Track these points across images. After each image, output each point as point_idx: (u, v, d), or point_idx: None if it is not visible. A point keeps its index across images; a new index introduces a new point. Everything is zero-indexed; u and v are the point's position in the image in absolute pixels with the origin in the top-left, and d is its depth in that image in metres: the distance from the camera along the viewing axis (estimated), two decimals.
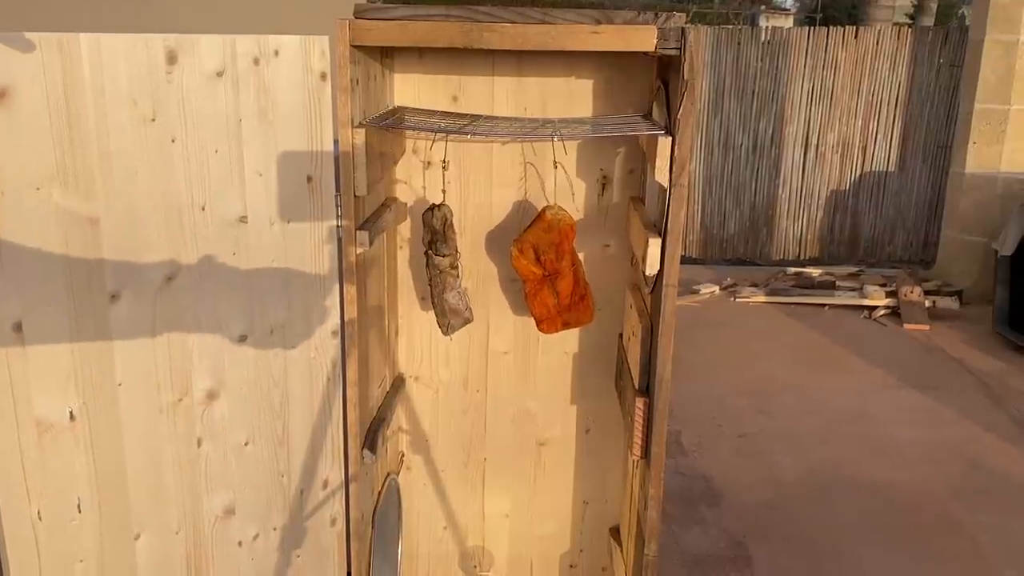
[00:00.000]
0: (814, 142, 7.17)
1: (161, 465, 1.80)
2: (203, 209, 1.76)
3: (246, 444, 1.90)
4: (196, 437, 1.84)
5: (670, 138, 1.63)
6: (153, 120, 1.68)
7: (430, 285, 2.01)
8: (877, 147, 7.15)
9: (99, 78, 1.62)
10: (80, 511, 1.71)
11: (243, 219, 1.81)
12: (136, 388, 1.75)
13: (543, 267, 2.03)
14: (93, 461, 1.71)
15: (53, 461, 1.66)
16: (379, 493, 2.11)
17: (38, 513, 1.66)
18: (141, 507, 1.78)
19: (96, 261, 1.66)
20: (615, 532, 2.43)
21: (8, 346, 1.58)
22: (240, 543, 1.93)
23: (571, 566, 2.49)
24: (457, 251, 2.00)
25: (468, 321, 2.04)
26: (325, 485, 2.01)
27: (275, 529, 1.97)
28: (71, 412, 1.67)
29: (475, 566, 2.51)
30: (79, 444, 1.69)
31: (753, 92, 7.13)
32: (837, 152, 7.18)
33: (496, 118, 1.95)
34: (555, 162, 2.01)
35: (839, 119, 7.10)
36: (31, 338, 1.61)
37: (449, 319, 2.02)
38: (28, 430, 1.62)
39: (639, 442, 1.85)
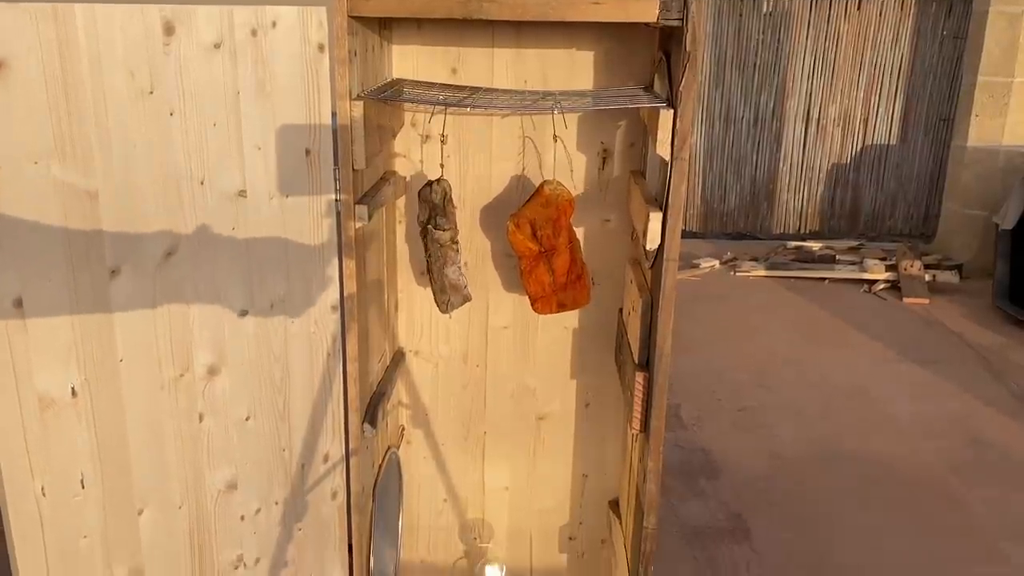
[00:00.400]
0: (815, 115, 7.12)
1: (163, 441, 1.81)
2: (202, 183, 1.75)
3: (247, 419, 1.90)
4: (198, 412, 1.84)
5: (672, 110, 1.62)
6: (151, 93, 1.66)
7: (428, 261, 2.00)
8: (879, 120, 7.11)
9: (95, 49, 1.60)
10: (83, 487, 1.71)
11: (242, 193, 1.79)
12: (137, 364, 1.74)
13: (539, 243, 2.02)
14: (96, 437, 1.72)
15: (56, 437, 1.66)
16: (380, 467, 2.12)
17: (42, 489, 1.66)
18: (144, 482, 1.79)
19: (95, 236, 1.65)
20: (614, 505, 2.44)
21: (9, 322, 1.58)
22: (242, 517, 1.94)
23: (570, 538, 2.51)
24: (457, 226, 1.99)
25: (467, 299, 2.03)
26: (326, 459, 2.02)
27: (277, 503, 1.98)
28: (73, 388, 1.67)
29: (475, 538, 2.52)
30: (81, 420, 1.69)
31: (755, 65, 7.07)
32: (838, 125, 7.13)
33: (495, 90, 1.93)
34: (555, 135, 2.00)
35: (841, 91, 7.05)
36: (32, 314, 1.60)
37: (449, 296, 2.01)
38: (30, 406, 1.62)
39: (639, 416, 1.86)
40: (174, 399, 1.80)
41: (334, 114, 1.75)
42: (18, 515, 1.63)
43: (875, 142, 7.14)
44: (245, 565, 1.97)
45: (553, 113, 1.83)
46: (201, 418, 1.85)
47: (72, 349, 1.65)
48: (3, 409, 1.59)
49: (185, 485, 1.85)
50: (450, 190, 1.96)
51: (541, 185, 1.99)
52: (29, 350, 1.60)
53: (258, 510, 1.96)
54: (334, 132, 1.78)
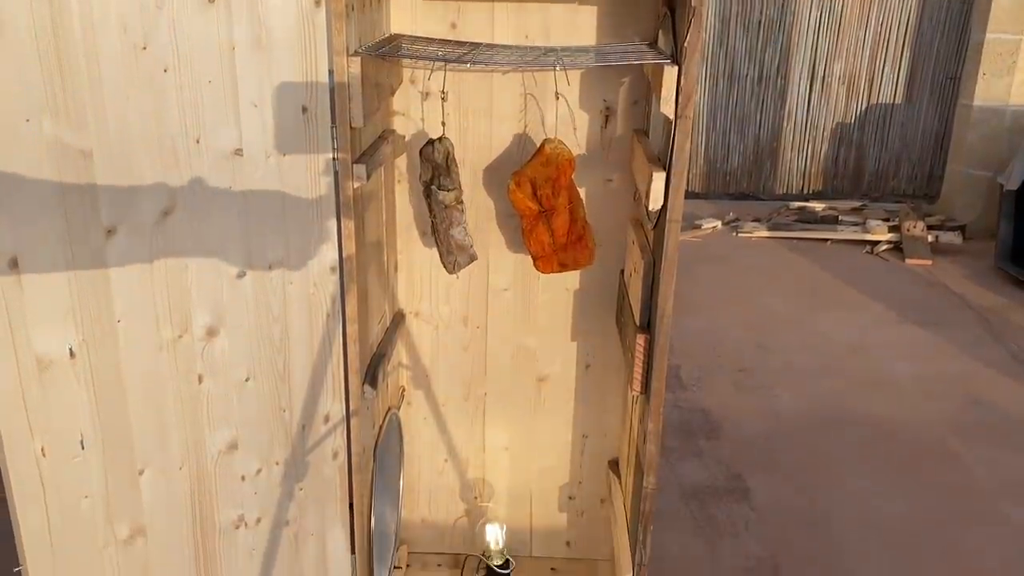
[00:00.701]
0: (820, 73, 7.03)
1: (163, 402, 1.80)
2: (198, 142, 1.72)
3: (247, 380, 1.90)
4: (197, 373, 1.84)
5: (676, 67, 1.58)
6: (144, 48, 1.62)
7: (433, 222, 1.98)
8: (884, 79, 7.01)
9: (87, 3, 1.56)
10: (83, 447, 1.71)
11: (238, 152, 1.77)
12: (135, 325, 1.73)
13: (539, 203, 2.00)
14: (95, 398, 1.71)
15: (54, 398, 1.66)
16: (380, 427, 2.12)
17: (42, 450, 1.66)
18: (144, 443, 1.79)
19: (91, 195, 1.62)
20: (614, 465, 2.45)
21: (5, 283, 1.56)
22: (243, 477, 1.95)
23: (570, 498, 2.52)
24: (461, 185, 1.97)
25: (473, 259, 2.01)
26: (327, 420, 2.02)
27: (278, 463, 1.98)
28: (71, 348, 1.66)
29: (476, 497, 2.54)
30: (80, 381, 1.68)
31: (759, 22, 6.96)
32: (843, 83, 7.04)
33: (496, 46, 1.89)
34: (557, 93, 1.96)
35: (847, 49, 6.95)
36: (28, 274, 1.58)
37: (456, 256, 1.99)
38: (28, 367, 1.61)
39: (639, 378, 1.85)
40: (173, 360, 1.80)
41: (331, 71, 1.71)
42: (19, 476, 1.63)
43: (880, 101, 7.06)
44: (246, 525, 1.98)
45: (555, 70, 1.79)
46: (200, 379, 1.84)
47: (69, 309, 1.64)
48: (2, 369, 1.58)
49: (185, 446, 1.85)
50: (452, 148, 1.93)
51: (543, 143, 1.96)
52: (26, 311, 1.59)
53: (259, 470, 1.97)
54: (331, 90, 1.75)
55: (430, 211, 1.98)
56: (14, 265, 1.55)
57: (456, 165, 1.94)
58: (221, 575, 1.98)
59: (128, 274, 1.70)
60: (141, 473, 1.79)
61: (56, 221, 1.58)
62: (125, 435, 1.76)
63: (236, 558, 1.99)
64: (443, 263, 2.01)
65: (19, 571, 1.67)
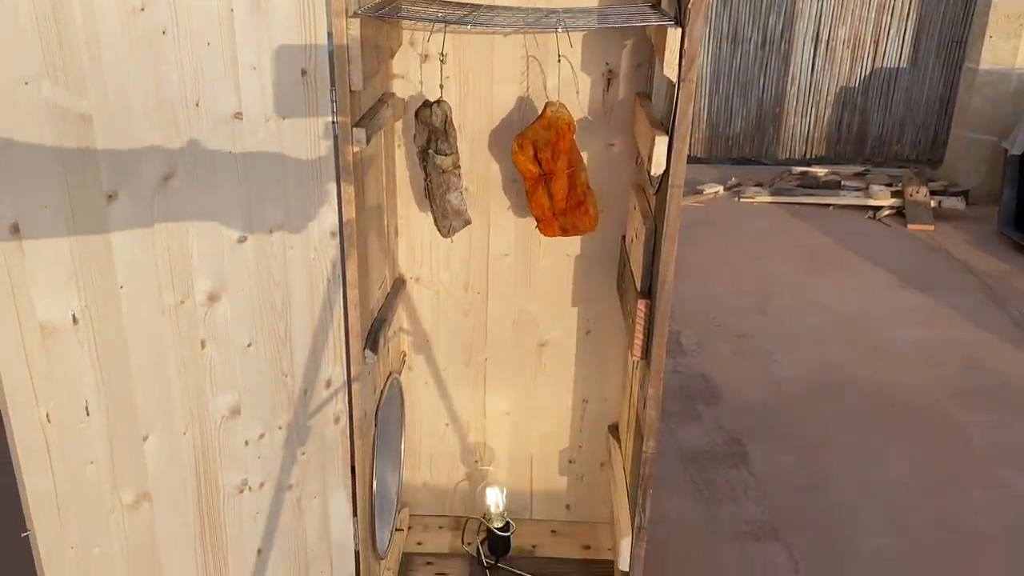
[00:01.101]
0: (825, 36, 6.95)
1: (165, 367, 1.80)
2: (197, 105, 1.70)
3: (249, 345, 1.90)
4: (199, 339, 1.83)
5: (680, 29, 1.56)
6: (142, 10, 1.60)
7: (428, 187, 1.97)
8: (889, 42, 6.93)
9: None
10: (88, 413, 1.71)
11: (238, 115, 1.75)
12: (137, 290, 1.73)
13: (540, 166, 1.99)
14: (98, 364, 1.71)
15: (58, 364, 1.66)
16: (381, 392, 2.13)
17: (47, 416, 1.66)
18: (148, 409, 1.79)
19: (91, 160, 1.61)
20: (614, 429, 2.46)
21: (7, 249, 1.55)
22: (246, 442, 1.96)
23: (570, 462, 2.54)
24: (458, 150, 1.95)
25: (468, 223, 2.01)
26: (328, 384, 2.02)
27: (280, 428, 1.99)
28: (73, 314, 1.65)
29: (476, 461, 2.56)
30: (83, 347, 1.68)
31: None
32: (848, 47, 6.96)
33: (497, 7, 1.86)
34: (559, 55, 1.94)
35: (852, 11, 6.85)
36: (29, 240, 1.57)
37: (451, 220, 1.98)
38: (32, 333, 1.61)
39: (640, 343, 1.85)
40: (175, 326, 1.79)
41: (330, 33, 1.69)
42: (25, 443, 1.63)
43: (885, 65, 6.98)
44: (250, 489, 1.99)
45: (557, 32, 1.77)
46: (203, 344, 1.84)
47: (72, 275, 1.63)
48: (5, 336, 1.57)
49: (189, 411, 1.86)
50: (450, 112, 1.91)
51: (546, 106, 1.95)
52: (28, 276, 1.58)
53: (262, 435, 1.97)
54: (330, 52, 1.72)
55: (425, 175, 1.96)
56: (15, 231, 1.54)
57: (454, 129, 1.92)
58: (226, 539, 1.99)
59: (130, 239, 1.69)
60: (145, 439, 1.80)
61: (57, 186, 1.57)
62: (129, 401, 1.76)
63: (240, 522, 2.01)
64: (437, 227, 2.00)
65: (27, 536, 1.68)
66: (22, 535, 1.69)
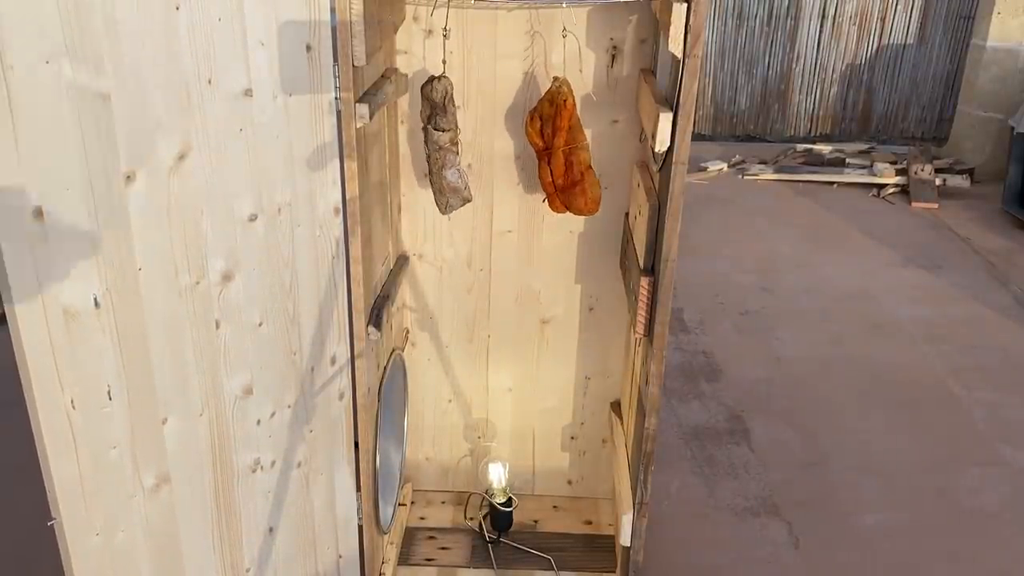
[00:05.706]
0: (831, 12, 6.89)
1: (183, 349, 1.80)
2: (210, 82, 1.69)
3: (260, 324, 1.90)
4: (214, 319, 1.83)
5: (685, 4, 1.55)
6: None
7: (428, 162, 1.97)
8: (896, 17, 6.87)
9: None
10: (110, 397, 1.71)
11: (248, 92, 1.74)
12: (155, 272, 1.72)
13: (543, 140, 1.99)
14: (119, 347, 1.70)
15: (81, 349, 1.65)
16: (385, 368, 2.14)
17: (71, 402, 1.65)
18: (166, 391, 1.79)
19: (110, 141, 1.59)
20: (616, 406, 2.47)
21: (32, 234, 1.54)
22: (259, 421, 1.96)
23: (572, 438, 2.55)
24: (457, 126, 1.95)
25: (467, 200, 2.00)
26: (333, 361, 2.03)
27: (289, 406, 2.00)
28: (95, 299, 1.65)
29: (479, 437, 2.57)
30: (105, 331, 1.67)
31: None
32: (854, 23, 6.90)
33: None
34: (564, 31, 1.93)
35: None
36: (52, 224, 1.57)
37: (448, 198, 1.98)
38: (56, 318, 1.60)
39: (642, 320, 1.86)
40: (192, 307, 1.79)
41: (333, 9, 1.68)
42: (51, 429, 1.63)
43: (892, 41, 6.92)
44: (262, 468, 2.00)
45: (562, 6, 1.76)
46: (218, 324, 1.84)
47: (93, 259, 1.62)
48: (31, 323, 1.57)
49: (205, 392, 1.86)
50: (451, 88, 1.90)
51: (553, 79, 1.95)
52: (52, 261, 1.57)
53: (272, 414, 1.98)
54: (333, 27, 1.71)
55: (425, 150, 1.96)
56: (39, 215, 1.53)
57: (454, 105, 1.92)
58: (240, 518, 2.01)
59: (147, 220, 1.68)
60: (164, 422, 1.80)
61: (78, 168, 1.56)
62: (148, 384, 1.76)
63: (253, 501, 2.02)
64: (436, 202, 2.00)
65: (53, 523, 1.68)
66: (48, 523, 1.68)
